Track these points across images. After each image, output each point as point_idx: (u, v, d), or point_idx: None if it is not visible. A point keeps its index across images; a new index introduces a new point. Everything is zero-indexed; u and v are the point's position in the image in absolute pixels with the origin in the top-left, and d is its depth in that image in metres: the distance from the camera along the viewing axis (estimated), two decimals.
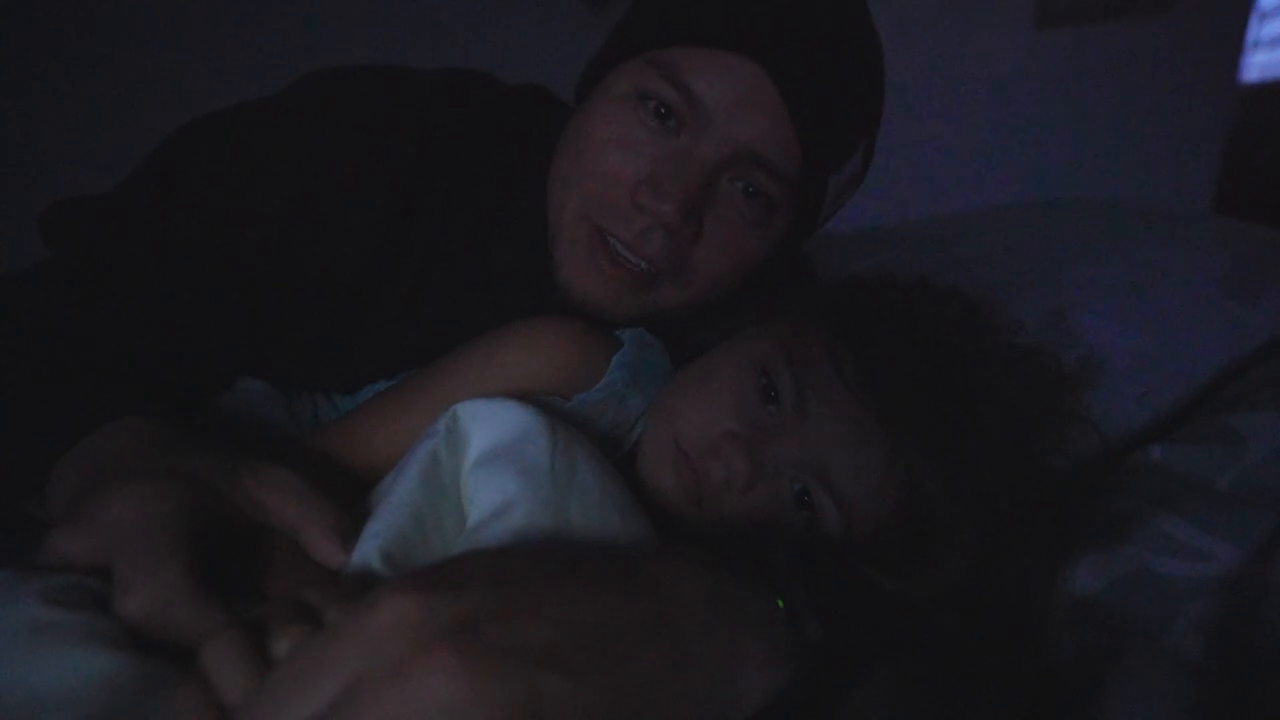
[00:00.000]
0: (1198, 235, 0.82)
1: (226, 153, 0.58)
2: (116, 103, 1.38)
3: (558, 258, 0.57)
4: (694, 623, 0.33)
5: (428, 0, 1.59)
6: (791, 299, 0.58)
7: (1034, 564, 0.49)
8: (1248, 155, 2.32)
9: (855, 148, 0.58)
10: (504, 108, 0.64)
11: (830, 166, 0.56)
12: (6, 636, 0.32)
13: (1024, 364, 0.55)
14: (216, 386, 0.62)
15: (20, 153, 1.32)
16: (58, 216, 0.58)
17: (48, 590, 0.34)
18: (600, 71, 0.58)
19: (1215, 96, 2.27)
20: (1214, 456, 0.57)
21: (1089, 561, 0.53)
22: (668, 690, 0.31)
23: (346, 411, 0.61)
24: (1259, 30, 2.28)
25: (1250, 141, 2.33)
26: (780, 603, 0.37)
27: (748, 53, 0.51)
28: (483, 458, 0.44)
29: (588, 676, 0.28)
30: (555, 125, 0.60)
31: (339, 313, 0.61)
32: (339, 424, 0.55)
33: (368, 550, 0.39)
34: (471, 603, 0.29)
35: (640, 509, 0.46)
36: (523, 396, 0.48)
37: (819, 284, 0.70)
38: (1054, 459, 0.55)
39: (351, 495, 0.49)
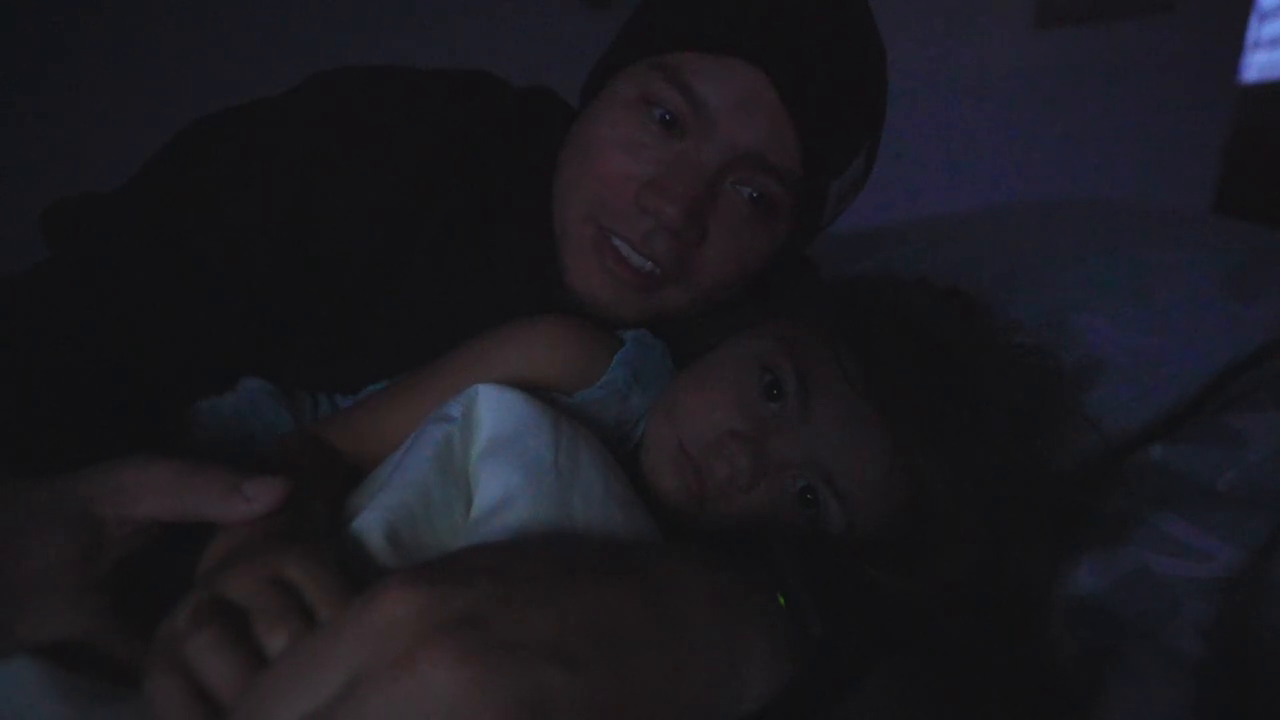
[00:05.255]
0: (1198, 235, 0.82)
1: (234, 150, 0.58)
2: (118, 102, 1.38)
3: (565, 260, 0.57)
4: (696, 619, 0.33)
5: (428, 0, 1.59)
6: (793, 298, 0.59)
7: (1035, 563, 0.50)
8: (1248, 155, 2.32)
9: (857, 152, 0.58)
10: (510, 109, 0.65)
11: (832, 170, 0.57)
12: None
13: (1024, 363, 0.56)
14: (219, 386, 0.62)
15: (20, 152, 1.32)
16: (61, 214, 0.58)
17: None
18: (604, 75, 0.58)
19: (1215, 96, 2.27)
20: (1214, 456, 0.57)
21: (1089, 561, 0.53)
22: (670, 685, 0.31)
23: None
24: (1259, 30, 2.28)
25: (1250, 141, 2.33)
26: (782, 600, 0.37)
27: (749, 58, 0.51)
28: (489, 447, 0.45)
29: (590, 671, 0.28)
30: (561, 127, 0.61)
31: (343, 313, 0.61)
32: (340, 417, 0.55)
33: (373, 519, 0.39)
34: (474, 597, 0.29)
35: (643, 506, 0.46)
36: (528, 391, 0.48)
37: (820, 283, 0.70)
38: (1054, 458, 0.55)
39: (346, 484, 0.50)
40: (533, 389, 0.49)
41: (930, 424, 0.47)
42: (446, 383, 0.51)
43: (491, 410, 0.46)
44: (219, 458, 0.58)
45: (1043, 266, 0.79)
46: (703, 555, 0.36)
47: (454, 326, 0.58)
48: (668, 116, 0.53)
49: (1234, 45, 2.25)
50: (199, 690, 0.30)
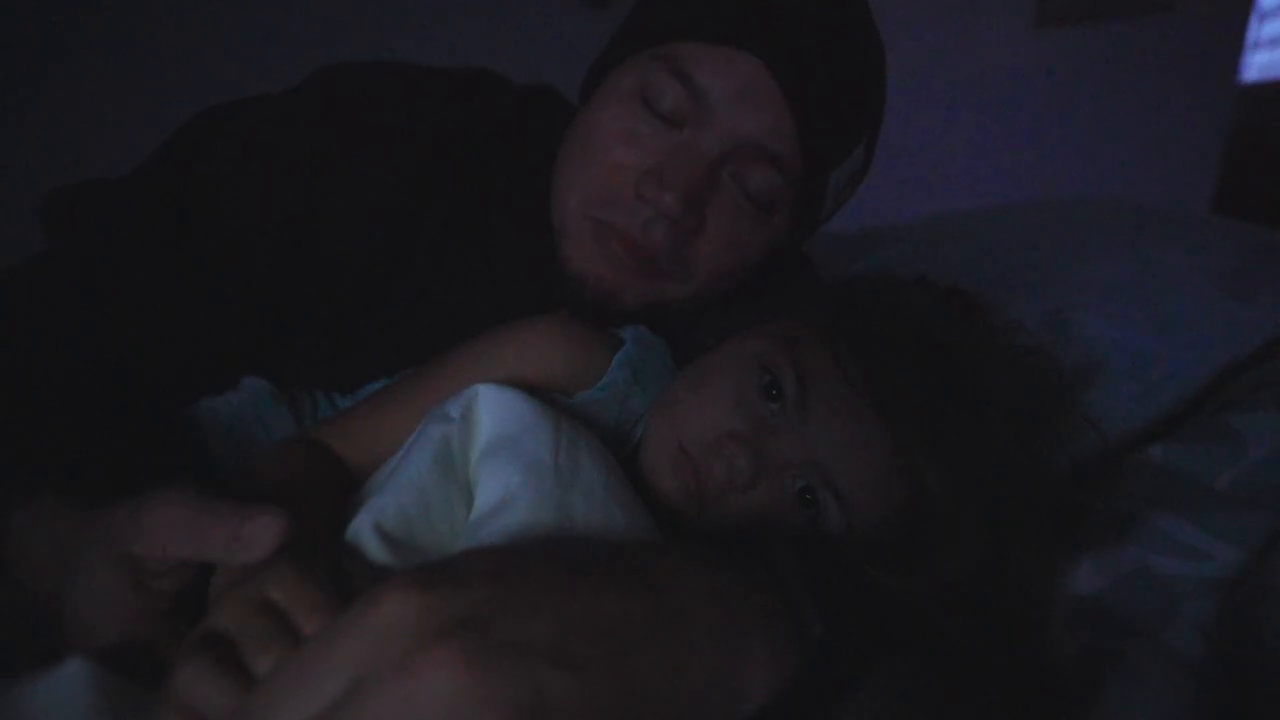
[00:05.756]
0: (1198, 235, 0.82)
1: (241, 143, 0.58)
2: (118, 102, 1.38)
3: (565, 251, 0.57)
4: (697, 620, 0.33)
5: (428, 0, 1.59)
6: (792, 298, 0.59)
7: (1034, 562, 0.49)
8: (1248, 155, 2.32)
9: (856, 143, 0.58)
10: (512, 108, 0.65)
11: (831, 161, 0.57)
12: None
13: (1024, 363, 0.56)
14: (219, 385, 0.62)
15: (21, 153, 1.32)
16: (63, 203, 0.58)
17: None
18: (605, 68, 0.58)
19: (1215, 96, 2.27)
20: (1214, 456, 0.57)
21: (1089, 561, 0.53)
22: (671, 686, 0.31)
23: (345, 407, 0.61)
24: (1259, 30, 2.28)
25: (1250, 141, 2.33)
26: (782, 600, 0.37)
27: (749, 48, 0.52)
28: (489, 448, 0.45)
29: (591, 672, 0.28)
30: (563, 125, 0.61)
31: (346, 308, 0.61)
32: (339, 419, 0.55)
33: (364, 523, 0.40)
34: (475, 600, 0.29)
35: (644, 506, 0.46)
36: (528, 391, 0.48)
37: (820, 283, 0.70)
38: (1054, 458, 0.55)
39: (346, 487, 0.50)
40: (532, 389, 0.49)
41: (930, 424, 0.47)
42: (446, 383, 0.51)
43: (491, 410, 0.46)
44: (221, 458, 0.58)
45: (1043, 266, 0.79)
46: (703, 555, 0.36)
47: (454, 325, 0.58)
48: (666, 106, 0.53)
49: (1234, 45, 2.25)
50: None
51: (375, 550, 0.39)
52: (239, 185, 0.57)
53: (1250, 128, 2.33)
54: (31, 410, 0.49)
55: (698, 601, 0.33)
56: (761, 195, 0.55)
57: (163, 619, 0.37)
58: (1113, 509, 0.56)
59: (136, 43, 1.41)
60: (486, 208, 0.62)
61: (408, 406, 0.52)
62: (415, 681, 0.26)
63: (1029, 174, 2.14)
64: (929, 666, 0.41)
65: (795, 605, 0.37)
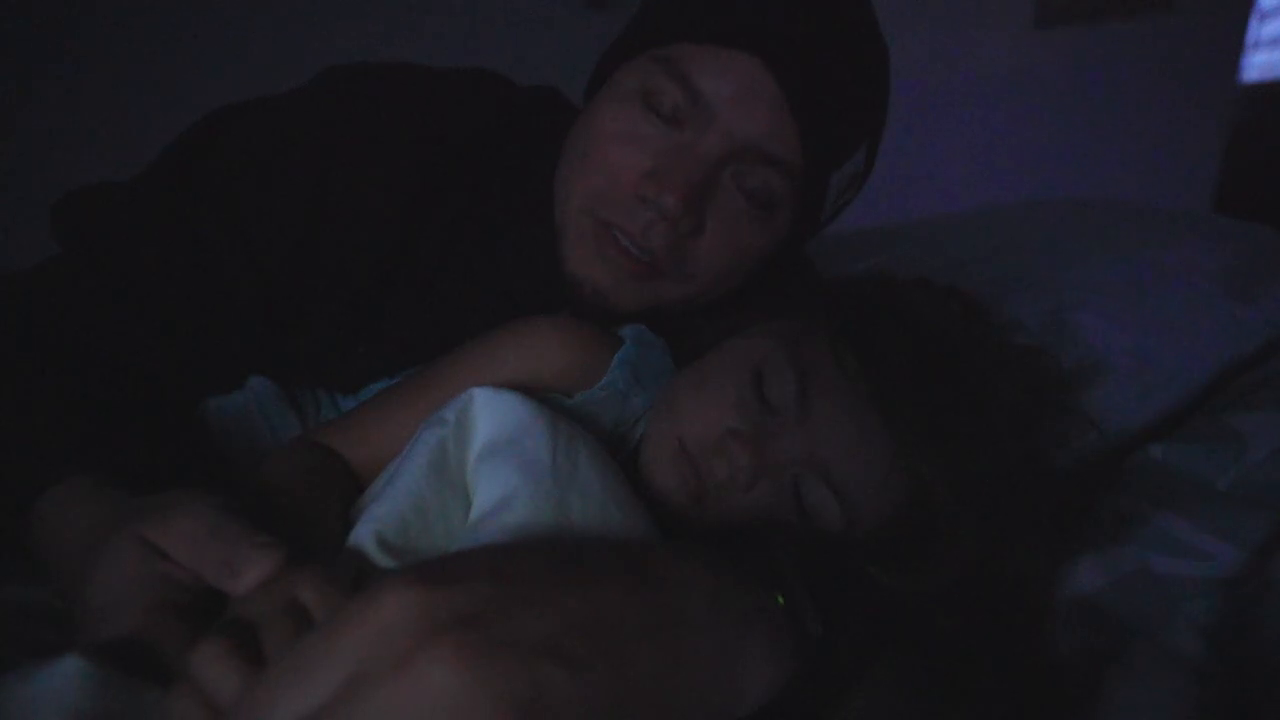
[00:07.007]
0: (1198, 235, 0.82)
1: (249, 143, 0.58)
2: (124, 104, 1.38)
3: (564, 251, 0.58)
4: (695, 618, 0.33)
5: (428, 1, 1.59)
6: (793, 297, 0.59)
7: (1034, 562, 0.49)
8: (1248, 155, 2.32)
9: (857, 145, 0.58)
10: (517, 108, 0.65)
11: (831, 162, 0.57)
12: None
13: (1023, 362, 0.56)
14: (226, 384, 0.62)
15: (20, 152, 1.32)
16: (73, 207, 0.58)
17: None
18: (607, 70, 0.58)
19: (1215, 96, 2.27)
20: (1214, 456, 0.57)
21: (1089, 561, 0.53)
22: (668, 685, 0.31)
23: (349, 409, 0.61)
24: (1259, 30, 2.28)
25: (1250, 141, 2.33)
26: (781, 599, 0.37)
27: (750, 49, 0.52)
28: (486, 450, 0.45)
29: (589, 670, 0.28)
30: (564, 126, 0.61)
31: (352, 308, 0.61)
32: (341, 420, 0.55)
33: (364, 534, 0.40)
34: (473, 597, 0.29)
35: (642, 506, 0.46)
36: (525, 393, 0.48)
37: (820, 283, 0.70)
38: (1054, 457, 0.55)
39: (352, 491, 0.50)
40: (533, 390, 0.49)
41: (930, 423, 0.47)
42: (447, 384, 0.51)
43: (487, 413, 0.46)
44: (227, 456, 0.58)
45: (1043, 266, 0.79)
46: (702, 555, 0.36)
47: (457, 325, 0.58)
48: (667, 108, 0.53)
49: (1234, 45, 2.25)
50: (213, 706, 0.31)
51: (377, 560, 0.39)
52: (247, 185, 0.57)
53: (1250, 128, 2.32)
54: (55, 398, 0.49)
55: (696, 600, 0.33)
56: (761, 196, 0.55)
57: (176, 614, 0.37)
58: (1113, 509, 0.56)
59: (141, 45, 1.41)
60: (490, 207, 0.63)
61: (409, 409, 0.52)
62: (413, 677, 0.26)
63: (1029, 174, 2.14)
64: (929, 666, 0.41)
65: (795, 604, 0.37)
